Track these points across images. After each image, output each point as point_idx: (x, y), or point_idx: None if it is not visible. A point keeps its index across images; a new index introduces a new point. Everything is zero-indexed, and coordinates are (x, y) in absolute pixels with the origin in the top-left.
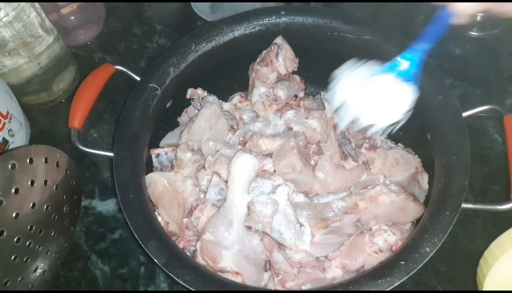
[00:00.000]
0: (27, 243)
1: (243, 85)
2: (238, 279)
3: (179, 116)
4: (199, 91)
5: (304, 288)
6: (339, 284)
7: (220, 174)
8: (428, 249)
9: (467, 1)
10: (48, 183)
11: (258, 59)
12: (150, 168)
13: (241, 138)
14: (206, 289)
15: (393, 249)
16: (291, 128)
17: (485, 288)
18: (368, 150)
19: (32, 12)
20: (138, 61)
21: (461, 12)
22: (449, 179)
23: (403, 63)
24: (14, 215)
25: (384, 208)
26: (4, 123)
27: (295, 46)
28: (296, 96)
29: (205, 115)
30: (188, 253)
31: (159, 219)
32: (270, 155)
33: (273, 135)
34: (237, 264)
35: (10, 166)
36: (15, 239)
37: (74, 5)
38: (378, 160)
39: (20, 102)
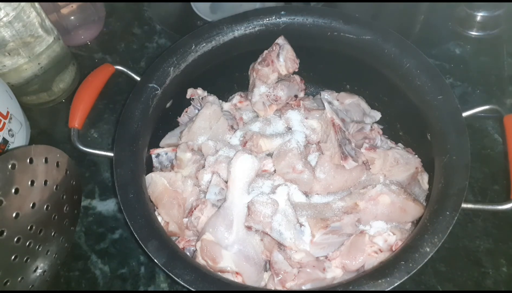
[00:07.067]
0: (27, 243)
1: (243, 85)
2: (238, 279)
3: (179, 116)
4: (199, 91)
5: (304, 288)
6: (339, 284)
7: (220, 174)
8: (428, 249)
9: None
10: (48, 183)
11: (259, 59)
12: (150, 168)
13: (241, 139)
14: (206, 289)
15: (393, 249)
16: (291, 128)
17: None
18: (368, 149)
19: (32, 12)
20: (138, 61)
21: None
22: (449, 179)
23: None
24: (14, 215)
25: (384, 208)
26: (4, 123)
27: (295, 46)
28: (296, 96)
29: (205, 115)
30: (188, 253)
31: (159, 219)
32: (270, 155)
33: (273, 135)
34: (237, 264)
35: (10, 166)
36: (15, 239)
37: (74, 5)
38: (378, 160)
39: (20, 102)
